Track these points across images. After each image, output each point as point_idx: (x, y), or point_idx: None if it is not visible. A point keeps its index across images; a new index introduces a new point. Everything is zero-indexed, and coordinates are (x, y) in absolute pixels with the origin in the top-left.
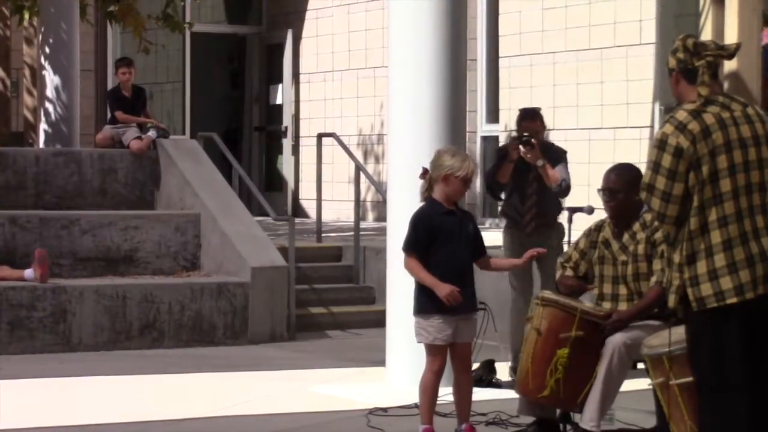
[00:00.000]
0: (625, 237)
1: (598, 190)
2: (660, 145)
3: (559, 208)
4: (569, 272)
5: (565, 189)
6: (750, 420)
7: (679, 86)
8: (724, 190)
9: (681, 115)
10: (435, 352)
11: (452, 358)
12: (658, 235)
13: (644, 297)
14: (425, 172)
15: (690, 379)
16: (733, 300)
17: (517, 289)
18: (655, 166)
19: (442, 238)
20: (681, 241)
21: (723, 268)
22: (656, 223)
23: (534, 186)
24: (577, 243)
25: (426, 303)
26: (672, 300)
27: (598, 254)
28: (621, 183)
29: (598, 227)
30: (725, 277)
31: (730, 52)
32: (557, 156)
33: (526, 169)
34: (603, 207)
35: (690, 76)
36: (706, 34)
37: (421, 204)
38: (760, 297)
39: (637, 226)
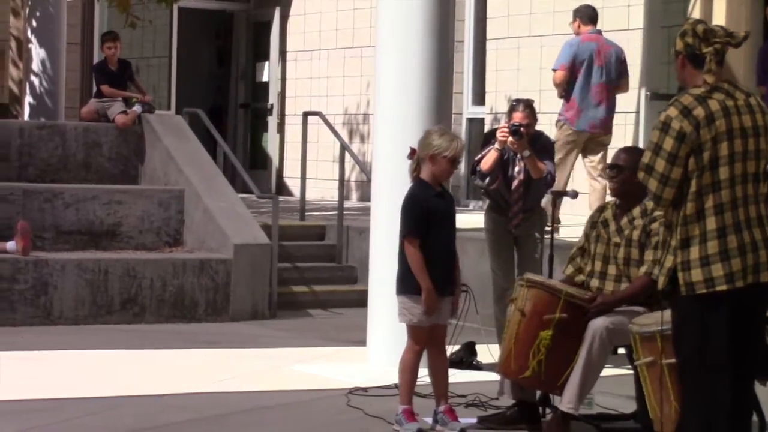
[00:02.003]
0: (624, 220)
1: (605, 168)
2: (663, 127)
3: (542, 194)
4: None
5: (550, 182)
6: (732, 404)
7: (684, 70)
8: (722, 178)
9: (686, 99)
10: (418, 332)
11: (428, 339)
12: (655, 225)
13: (631, 284)
14: (413, 152)
15: None
16: (722, 287)
17: (498, 273)
18: (656, 147)
19: (435, 221)
20: (677, 225)
21: (715, 255)
22: (656, 213)
23: (521, 178)
24: (584, 230)
25: (412, 283)
26: (661, 282)
27: (595, 233)
28: (628, 162)
29: (601, 208)
30: (717, 264)
31: (739, 41)
32: (545, 147)
33: (514, 158)
34: (608, 185)
35: (696, 61)
36: None
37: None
38: (748, 285)
39: (637, 212)
